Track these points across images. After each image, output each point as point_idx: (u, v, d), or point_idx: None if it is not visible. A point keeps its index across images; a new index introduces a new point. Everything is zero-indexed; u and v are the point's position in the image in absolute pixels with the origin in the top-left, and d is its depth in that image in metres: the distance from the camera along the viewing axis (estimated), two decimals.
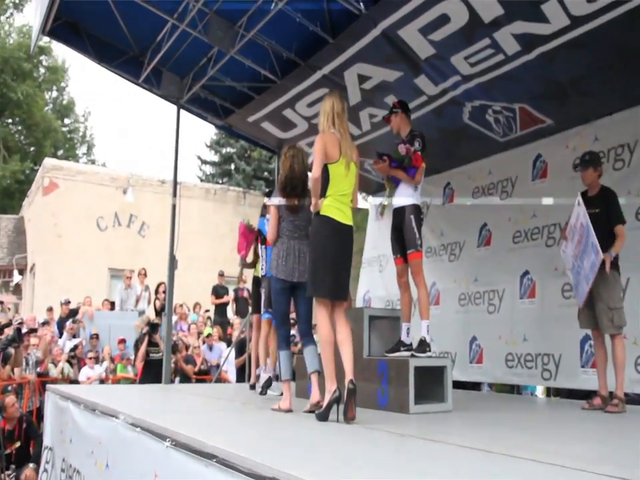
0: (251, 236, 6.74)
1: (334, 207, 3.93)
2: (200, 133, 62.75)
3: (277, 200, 4.47)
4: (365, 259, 10.23)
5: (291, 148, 4.51)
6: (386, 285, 9.34)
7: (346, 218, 3.99)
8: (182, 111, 8.55)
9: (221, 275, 14.35)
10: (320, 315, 4.01)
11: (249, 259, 6.79)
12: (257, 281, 6.64)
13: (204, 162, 28.86)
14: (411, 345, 5.03)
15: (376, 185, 9.35)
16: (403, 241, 5.01)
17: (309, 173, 4.21)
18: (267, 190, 6.42)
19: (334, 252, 3.91)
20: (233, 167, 27.72)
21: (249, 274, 7.45)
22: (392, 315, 5.47)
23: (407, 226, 4.93)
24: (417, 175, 4.96)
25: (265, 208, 6.22)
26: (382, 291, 9.54)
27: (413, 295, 5.14)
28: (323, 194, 3.97)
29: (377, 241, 9.79)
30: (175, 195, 8.40)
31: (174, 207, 8.38)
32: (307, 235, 4.40)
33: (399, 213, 5.03)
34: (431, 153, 5.27)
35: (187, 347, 11.51)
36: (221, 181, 27.63)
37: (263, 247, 6.06)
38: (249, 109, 8.34)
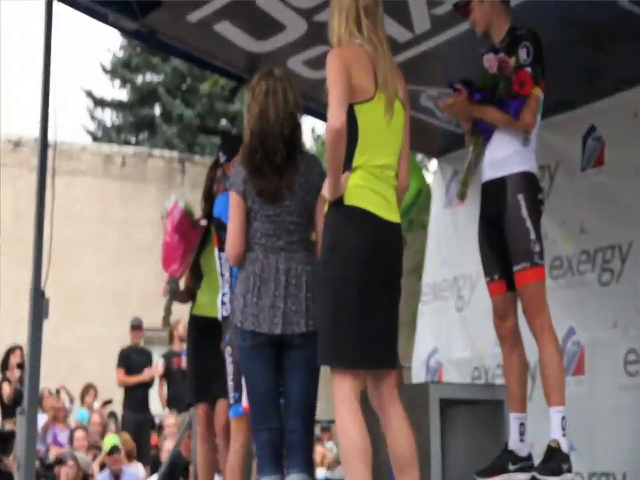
0: (194, 233, 4.56)
1: (368, 188, 2.88)
2: (93, 49, 41.41)
3: (238, 177, 3.15)
4: (427, 287, 7.19)
5: (265, 76, 3.20)
6: (471, 335, 6.57)
7: (390, 209, 2.94)
8: (57, 5, 5.74)
9: (136, 327, 9.60)
10: (341, 402, 2.80)
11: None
12: (201, 330, 4.52)
13: (100, 103, 19.20)
14: (529, 457, 3.57)
15: (445, 140, 6.86)
16: (504, 248, 3.53)
17: (301, 121, 3.29)
18: (225, 131, 4.80)
19: (368, 276, 2.82)
20: (157, 112, 18.82)
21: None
22: (486, 397, 4.22)
23: (513, 217, 3.50)
24: (525, 112, 3.51)
25: (222, 174, 4.36)
26: (463, 347, 6.68)
27: (529, 355, 3.65)
28: (346, 164, 2.86)
29: (449, 251, 6.96)
30: (42, 169, 5.14)
31: (41, 190, 5.12)
32: (301, 243, 3.17)
33: (495, 193, 3.57)
34: (556, 71, 3.98)
35: None
36: (134, 140, 19.00)
37: (223, 254, 3.72)
38: None
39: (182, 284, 4.92)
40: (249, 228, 3.26)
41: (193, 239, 4.61)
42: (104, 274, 13.18)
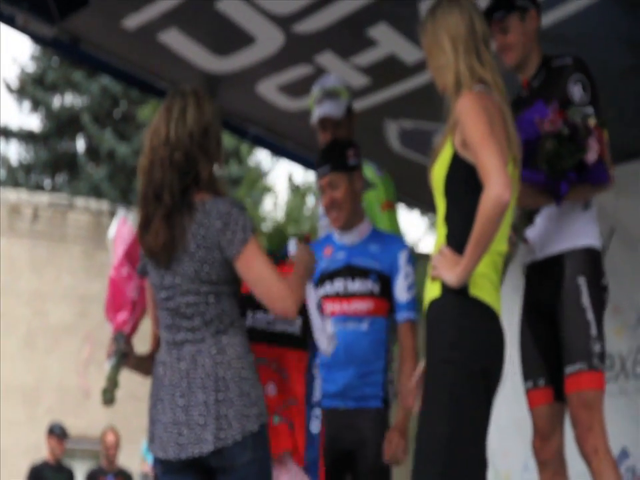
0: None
1: (489, 280, 2.71)
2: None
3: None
4: None
5: (169, 95, 2.88)
6: (491, 454, 5.10)
7: (499, 302, 2.80)
8: None
9: (56, 435, 8.55)
10: None
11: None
12: None
13: (3, 133, 16.55)
14: None
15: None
16: (555, 346, 3.34)
17: (213, 151, 2.88)
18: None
19: (492, 384, 2.76)
20: (80, 146, 16.07)
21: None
22: None
23: (571, 305, 3.27)
24: (609, 167, 3.25)
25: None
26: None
27: None
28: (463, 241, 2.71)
29: None
30: None
31: None
32: (210, 326, 2.77)
33: (548, 275, 3.41)
34: (615, 108, 4.20)
35: None
36: (50, 184, 16.41)
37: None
38: None
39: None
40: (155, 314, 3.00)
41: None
42: (10, 363, 11.83)
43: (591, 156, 3.22)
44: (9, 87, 17.24)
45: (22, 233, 12.48)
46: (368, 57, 4.87)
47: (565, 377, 3.26)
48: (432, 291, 2.75)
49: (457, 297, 2.71)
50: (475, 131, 2.64)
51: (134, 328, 3.51)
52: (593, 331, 3.26)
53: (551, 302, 3.33)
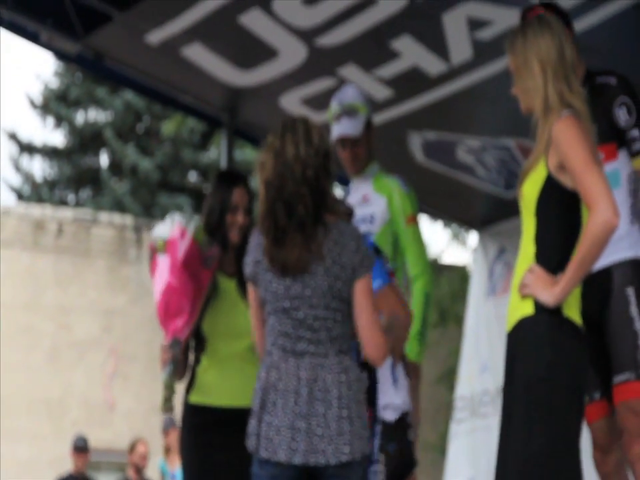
0: (206, 274, 3.70)
1: (576, 299, 2.87)
2: (18, 76, 35.49)
3: (251, 254, 3.04)
4: (462, 401, 6.98)
5: (282, 122, 3.11)
6: None
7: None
8: None
9: (80, 448, 8.72)
10: None
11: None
12: (205, 428, 3.65)
13: (27, 149, 16.62)
14: None
15: (489, 208, 6.59)
16: (605, 356, 3.47)
17: (331, 176, 3.08)
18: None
19: (583, 405, 2.91)
20: (104, 162, 16.21)
21: None
22: None
23: (618, 315, 3.41)
24: None
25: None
26: None
27: None
28: (562, 260, 2.84)
29: (492, 353, 6.62)
30: None
31: None
32: (334, 344, 2.98)
33: (595, 287, 3.37)
34: None
35: None
36: (74, 200, 16.42)
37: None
38: (149, 12, 5.08)
39: None
40: (266, 325, 3.07)
41: (205, 283, 3.78)
42: (35, 377, 11.97)
43: None
44: (32, 103, 17.37)
45: (46, 248, 12.51)
46: (391, 69, 4.94)
47: (613, 386, 3.34)
48: (523, 309, 2.82)
49: (552, 316, 2.79)
50: (576, 156, 2.73)
51: (189, 333, 3.64)
52: None
53: (599, 313, 3.41)
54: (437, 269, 13.14)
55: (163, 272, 3.65)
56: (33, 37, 5.26)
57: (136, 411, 11.63)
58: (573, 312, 2.84)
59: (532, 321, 2.80)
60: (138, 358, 11.97)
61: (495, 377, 6.33)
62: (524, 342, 2.82)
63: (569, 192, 2.76)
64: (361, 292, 2.86)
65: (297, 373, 2.92)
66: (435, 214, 7.76)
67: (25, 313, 12.21)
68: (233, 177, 3.98)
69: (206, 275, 3.75)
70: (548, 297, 2.75)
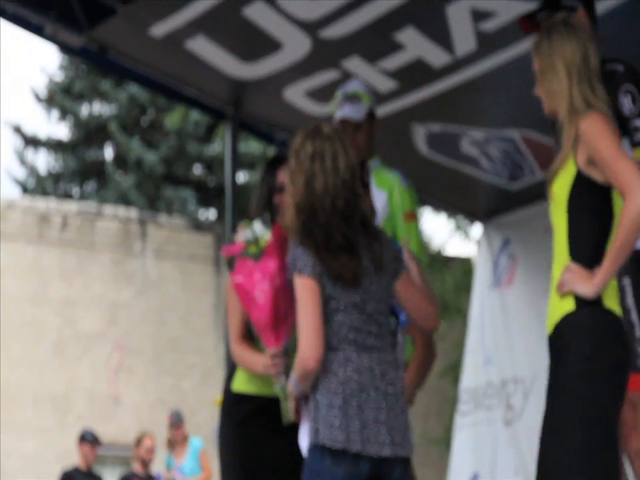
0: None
1: (614, 289, 2.91)
2: (23, 69, 34.18)
3: (303, 258, 3.04)
4: (467, 394, 6.96)
5: (310, 135, 2.98)
6: (524, 457, 6.31)
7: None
8: None
9: (89, 441, 8.72)
10: None
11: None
12: (248, 415, 3.59)
13: (32, 143, 16.90)
14: None
15: (493, 199, 6.56)
16: None
17: (362, 188, 3.22)
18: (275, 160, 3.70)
19: (623, 398, 2.92)
20: (108, 155, 16.48)
21: None
22: None
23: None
24: None
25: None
26: (514, 473, 6.42)
27: None
28: (597, 254, 2.88)
29: (496, 346, 6.76)
30: None
31: None
32: (390, 340, 3.18)
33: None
34: None
35: None
36: (78, 193, 16.68)
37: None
38: (153, 5, 5.15)
39: None
40: (329, 321, 3.10)
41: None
42: (40, 371, 11.98)
43: None
44: (37, 97, 17.46)
45: (51, 242, 12.51)
46: (395, 61, 4.95)
47: None
48: (563, 307, 2.86)
49: (593, 309, 2.83)
50: (606, 147, 2.79)
51: (282, 338, 3.58)
52: (638, 332, 3.38)
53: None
54: (440, 261, 13.11)
55: (265, 276, 3.55)
56: (37, 30, 5.32)
57: (141, 405, 11.64)
58: (613, 303, 2.87)
59: (574, 315, 2.83)
60: (143, 351, 11.93)
61: (500, 369, 6.59)
62: (566, 338, 2.87)
63: (599, 185, 2.81)
64: (405, 285, 3.09)
65: (371, 367, 3.01)
66: (438, 206, 7.80)
67: (29, 306, 12.19)
68: (276, 159, 3.91)
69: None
70: (587, 289, 2.79)
